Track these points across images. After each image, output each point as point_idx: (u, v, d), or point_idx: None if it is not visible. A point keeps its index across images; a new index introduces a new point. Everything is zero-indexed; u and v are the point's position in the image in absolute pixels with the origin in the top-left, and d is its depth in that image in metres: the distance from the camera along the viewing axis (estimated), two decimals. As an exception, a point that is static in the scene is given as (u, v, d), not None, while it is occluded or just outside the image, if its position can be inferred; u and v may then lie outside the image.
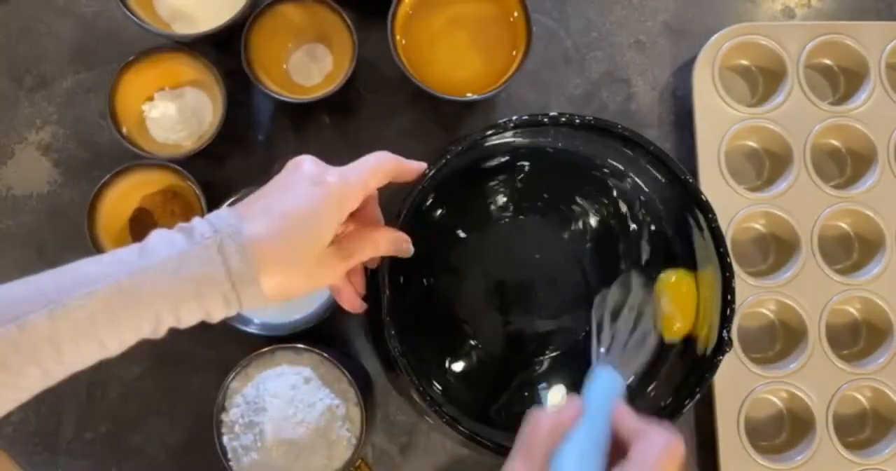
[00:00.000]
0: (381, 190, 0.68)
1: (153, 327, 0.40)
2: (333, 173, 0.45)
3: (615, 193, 0.62)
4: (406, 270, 0.58)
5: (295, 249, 0.42)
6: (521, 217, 0.63)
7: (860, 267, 0.67)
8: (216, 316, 0.41)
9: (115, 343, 0.40)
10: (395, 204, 0.56)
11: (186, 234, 0.40)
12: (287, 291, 0.43)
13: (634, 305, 0.49)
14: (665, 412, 0.53)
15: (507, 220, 0.63)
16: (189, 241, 0.40)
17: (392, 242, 0.50)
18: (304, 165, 0.45)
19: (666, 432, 0.38)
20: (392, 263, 0.54)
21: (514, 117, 0.56)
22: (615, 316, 0.48)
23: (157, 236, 0.41)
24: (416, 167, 0.51)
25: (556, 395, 0.43)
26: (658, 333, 0.52)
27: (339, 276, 0.46)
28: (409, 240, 0.51)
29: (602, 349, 0.45)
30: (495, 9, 0.65)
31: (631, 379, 0.46)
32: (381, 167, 0.48)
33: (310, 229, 0.42)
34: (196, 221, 0.41)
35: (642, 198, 0.60)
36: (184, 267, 0.39)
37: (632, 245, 0.62)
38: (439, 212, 0.61)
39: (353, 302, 0.50)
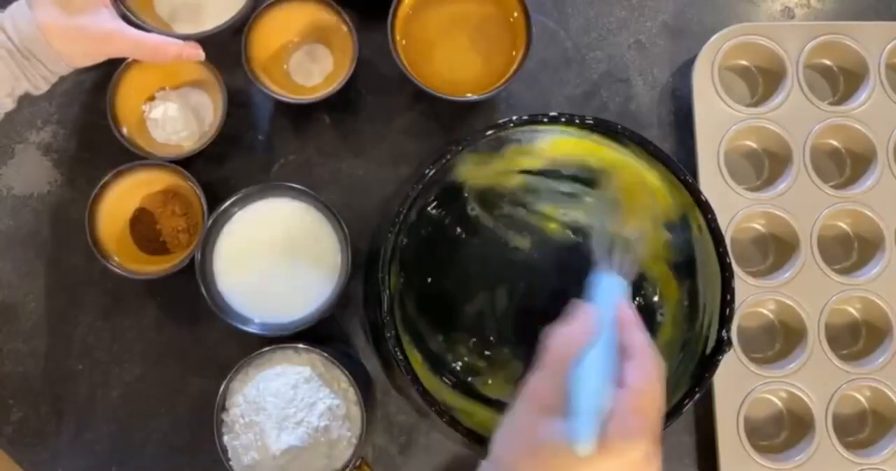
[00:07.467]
0: (380, 190, 0.69)
1: None
2: None
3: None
4: (407, 270, 0.58)
5: None
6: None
7: (860, 267, 0.67)
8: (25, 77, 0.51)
9: None
10: (395, 204, 0.57)
11: None
12: (68, 33, 0.50)
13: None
14: (665, 412, 0.54)
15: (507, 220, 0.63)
16: None
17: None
18: None
19: (656, 362, 0.40)
20: (392, 264, 0.54)
21: (514, 117, 0.56)
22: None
23: None
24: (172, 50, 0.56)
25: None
26: (633, 229, 0.53)
27: (113, 18, 0.53)
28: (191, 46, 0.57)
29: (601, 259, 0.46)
30: (495, 9, 0.65)
31: (632, 278, 0.47)
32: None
33: None
34: None
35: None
36: None
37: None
38: (439, 212, 0.61)
39: (163, 47, 0.55)
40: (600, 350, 0.40)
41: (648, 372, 0.39)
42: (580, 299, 0.43)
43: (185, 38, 0.63)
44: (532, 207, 0.59)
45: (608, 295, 0.43)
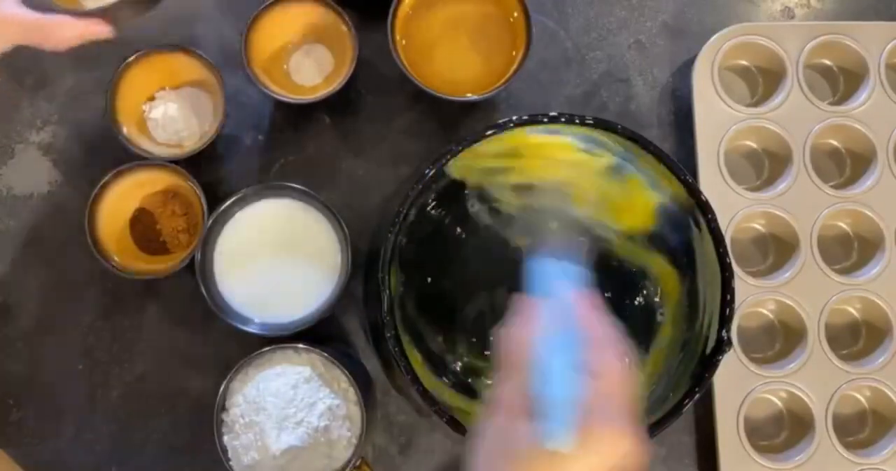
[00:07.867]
0: (380, 190, 0.69)
1: None
2: None
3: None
4: (407, 270, 0.58)
5: None
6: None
7: (860, 267, 0.67)
8: None
9: None
10: (395, 204, 0.57)
11: None
12: None
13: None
14: (665, 412, 0.54)
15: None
16: None
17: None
18: None
19: (621, 345, 0.39)
20: (392, 264, 0.54)
21: (514, 117, 0.56)
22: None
23: None
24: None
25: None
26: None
27: (15, 5, 0.50)
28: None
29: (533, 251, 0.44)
30: (495, 9, 0.65)
31: (586, 259, 0.44)
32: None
33: None
34: None
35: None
36: None
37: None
38: (439, 212, 0.61)
39: (60, 28, 0.51)
40: (556, 342, 0.38)
41: (615, 356, 0.38)
42: (520, 293, 0.42)
43: (88, 14, 0.56)
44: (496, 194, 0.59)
45: (557, 282, 0.42)
